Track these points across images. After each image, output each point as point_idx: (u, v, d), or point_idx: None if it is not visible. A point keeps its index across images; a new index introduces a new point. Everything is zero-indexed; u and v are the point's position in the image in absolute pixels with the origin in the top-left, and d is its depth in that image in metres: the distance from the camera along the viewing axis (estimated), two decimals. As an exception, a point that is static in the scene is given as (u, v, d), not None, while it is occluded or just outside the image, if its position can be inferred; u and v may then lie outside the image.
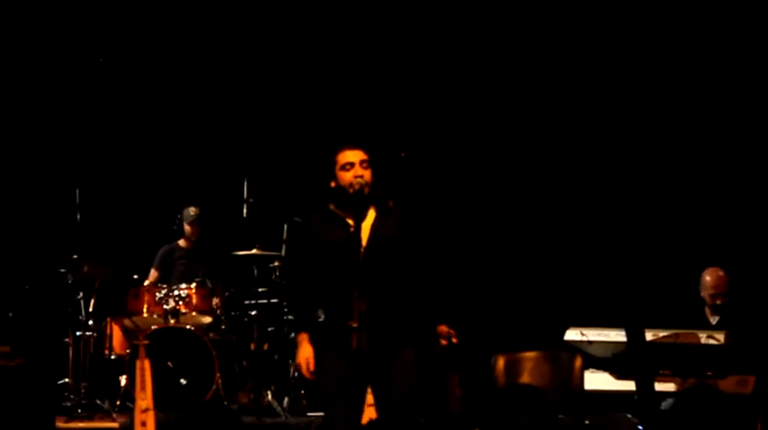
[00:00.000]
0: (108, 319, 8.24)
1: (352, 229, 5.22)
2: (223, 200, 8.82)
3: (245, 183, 8.51)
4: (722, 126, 8.30)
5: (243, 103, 9.27)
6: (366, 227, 5.26)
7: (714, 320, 6.95)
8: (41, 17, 8.88)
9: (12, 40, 8.87)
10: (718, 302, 6.94)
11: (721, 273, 6.96)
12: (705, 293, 7.00)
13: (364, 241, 5.22)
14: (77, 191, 8.44)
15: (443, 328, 5.21)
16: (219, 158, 9.21)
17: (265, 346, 8.19)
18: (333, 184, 5.26)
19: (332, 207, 5.25)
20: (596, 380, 6.47)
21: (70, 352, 8.16)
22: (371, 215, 5.30)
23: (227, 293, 8.63)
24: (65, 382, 8.16)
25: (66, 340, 8.22)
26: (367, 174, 5.21)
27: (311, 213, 5.37)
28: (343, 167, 5.22)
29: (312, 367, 5.26)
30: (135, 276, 8.32)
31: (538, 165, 8.72)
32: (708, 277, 6.97)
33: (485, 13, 8.63)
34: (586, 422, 6.29)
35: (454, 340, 5.18)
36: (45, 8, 8.87)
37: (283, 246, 8.42)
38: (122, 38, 9.02)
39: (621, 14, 8.43)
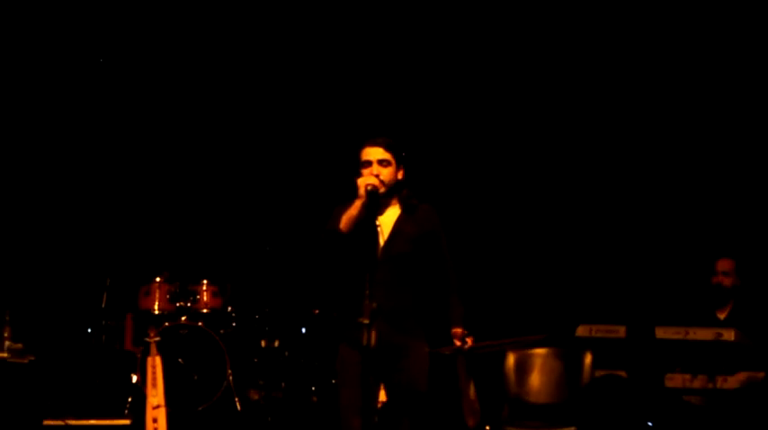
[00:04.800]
0: (127, 315, 8.34)
1: (378, 227, 5.13)
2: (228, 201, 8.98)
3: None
4: (731, 127, 8.17)
5: (251, 109, 9.15)
6: (389, 223, 5.19)
7: (723, 316, 6.88)
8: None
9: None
10: (727, 282, 6.89)
11: (729, 259, 7.01)
12: (716, 277, 6.96)
13: (385, 237, 5.15)
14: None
15: (458, 330, 5.13)
16: (231, 161, 9.13)
17: (276, 343, 8.27)
18: (357, 179, 5.17)
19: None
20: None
21: (82, 348, 8.30)
22: (396, 212, 5.22)
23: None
24: (78, 378, 8.18)
25: (79, 336, 8.35)
26: (384, 173, 5.09)
27: (336, 205, 5.21)
28: (363, 165, 5.14)
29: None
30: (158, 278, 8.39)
31: (548, 163, 8.64)
32: (718, 260, 6.98)
33: (502, 15, 8.52)
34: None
35: (469, 341, 5.09)
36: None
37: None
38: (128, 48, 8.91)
39: (622, 14, 8.30)
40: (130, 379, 7.82)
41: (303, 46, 8.99)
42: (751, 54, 8.09)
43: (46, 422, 7.04)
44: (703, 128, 8.23)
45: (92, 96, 8.96)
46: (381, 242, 5.12)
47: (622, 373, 6.53)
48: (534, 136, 8.72)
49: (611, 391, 4.28)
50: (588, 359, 6.30)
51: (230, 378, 7.80)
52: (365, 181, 5.02)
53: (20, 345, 7.19)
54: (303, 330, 8.39)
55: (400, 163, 5.18)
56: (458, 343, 5.11)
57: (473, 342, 5.14)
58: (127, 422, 7.16)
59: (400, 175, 5.15)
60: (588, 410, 3.98)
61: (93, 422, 7.13)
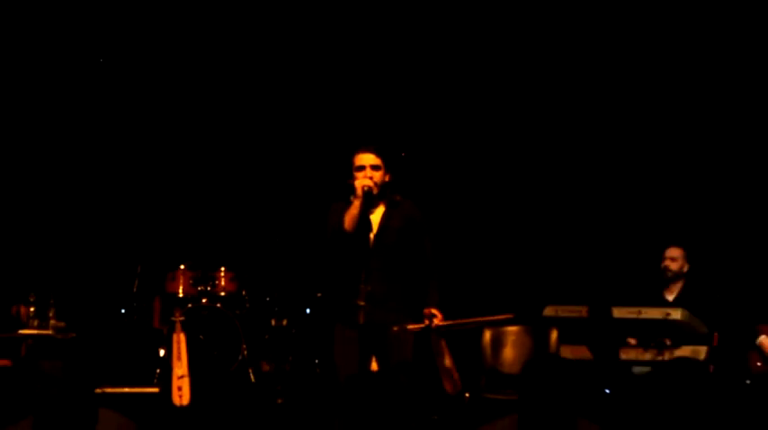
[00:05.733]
0: (155, 298, 8.34)
1: (370, 226, 5.31)
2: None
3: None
4: (684, 118, 8.11)
5: (267, 118, 9.12)
6: (377, 218, 5.35)
7: (671, 298, 7.01)
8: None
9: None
10: (676, 268, 6.98)
11: (677, 247, 7.08)
12: (664, 262, 7.03)
13: (375, 230, 5.32)
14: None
15: (427, 311, 5.32)
16: (248, 163, 9.07)
17: (284, 322, 8.27)
18: (351, 181, 5.33)
19: (352, 199, 5.34)
20: (569, 351, 6.54)
21: (117, 326, 8.33)
22: (382, 209, 5.38)
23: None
24: (113, 352, 8.08)
25: (114, 316, 8.38)
26: (377, 176, 5.27)
27: (332, 203, 5.43)
28: (357, 169, 5.30)
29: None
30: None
31: (518, 161, 8.54)
32: (667, 248, 7.08)
33: (490, 14, 8.37)
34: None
35: (435, 321, 5.28)
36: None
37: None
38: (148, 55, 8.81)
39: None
40: (158, 353, 7.83)
41: (296, 66, 8.73)
42: (698, 50, 7.96)
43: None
44: (663, 130, 8.12)
45: (122, 95, 8.81)
46: (371, 235, 5.29)
47: (584, 347, 6.53)
48: (500, 128, 8.48)
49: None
50: (554, 335, 6.56)
51: (245, 352, 7.84)
52: (361, 183, 5.19)
53: (63, 324, 7.44)
54: (308, 311, 8.39)
55: (388, 166, 5.32)
56: (426, 321, 5.29)
57: (441, 321, 5.29)
58: (156, 390, 7.27)
59: (387, 178, 5.31)
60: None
61: (126, 390, 7.23)
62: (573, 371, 3.68)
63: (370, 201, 5.27)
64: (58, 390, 3.75)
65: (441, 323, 5.32)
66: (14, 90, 8.54)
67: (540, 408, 3.66)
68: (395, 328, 5.30)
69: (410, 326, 5.34)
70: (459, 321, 5.55)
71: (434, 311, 5.32)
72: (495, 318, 5.83)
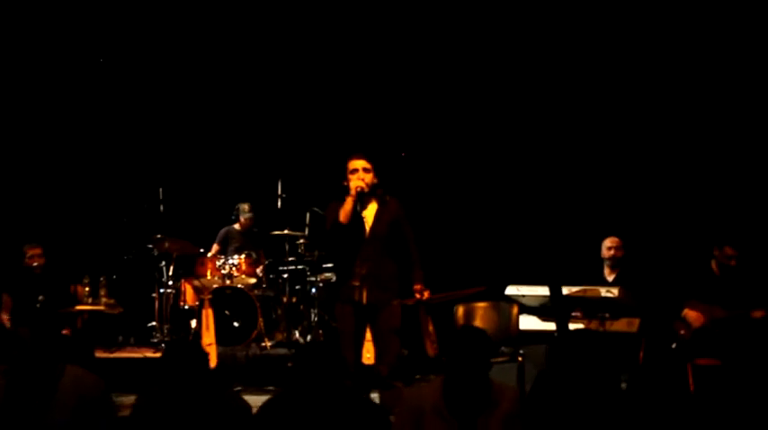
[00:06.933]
0: (183, 280, 8.73)
1: (364, 218, 5.75)
2: (264, 194, 9.16)
3: (279, 183, 9.00)
4: (627, 115, 8.34)
5: (277, 122, 9.48)
6: (371, 213, 5.77)
7: (611, 279, 7.42)
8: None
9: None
10: (615, 254, 7.31)
11: (615, 237, 7.44)
12: (604, 251, 7.35)
13: (370, 223, 5.73)
14: (160, 189, 9.18)
15: (418, 286, 5.81)
16: (261, 164, 9.44)
17: (294, 300, 8.66)
18: (345, 182, 5.73)
19: (346, 197, 5.70)
20: (528, 322, 6.80)
21: (156, 304, 8.76)
22: (374, 205, 5.78)
23: (267, 262, 8.93)
24: (152, 325, 8.78)
25: (153, 295, 8.81)
26: (368, 178, 5.70)
27: (330, 202, 5.80)
28: (351, 172, 5.73)
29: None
30: (201, 250, 8.79)
31: (484, 155, 8.79)
32: (606, 239, 7.46)
33: (482, 16, 8.50)
34: (521, 351, 6.55)
35: (426, 294, 5.78)
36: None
37: (306, 229, 8.82)
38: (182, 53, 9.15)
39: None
40: (191, 325, 8.35)
41: (304, 73, 9.06)
42: (630, 50, 8.19)
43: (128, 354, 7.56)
44: (603, 140, 8.49)
45: (164, 120, 9.19)
46: (367, 228, 5.72)
47: (539, 320, 6.61)
48: (468, 122, 8.69)
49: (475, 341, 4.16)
50: (515, 310, 6.82)
51: (261, 324, 8.26)
52: (355, 184, 5.66)
53: (113, 301, 7.87)
54: (313, 290, 8.71)
55: (375, 168, 5.76)
56: (417, 295, 5.79)
57: (429, 295, 5.80)
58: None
59: (375, 179, 5.77)
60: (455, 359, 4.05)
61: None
62: (489, 342, 4.13)
63: (362, 199, 5.72)
64: (26, 351, 4.12)
65: (430, 297, 5.80)
66: (46, 97, 8.93)
67: (459, 370, 4.04)
68: (394, 302, 5.69)
69: (407, 301, 5.75)
70: (443, 295, 6.05)
71: (424, 287, 5.82)
72: (471, 290, 6.34)
